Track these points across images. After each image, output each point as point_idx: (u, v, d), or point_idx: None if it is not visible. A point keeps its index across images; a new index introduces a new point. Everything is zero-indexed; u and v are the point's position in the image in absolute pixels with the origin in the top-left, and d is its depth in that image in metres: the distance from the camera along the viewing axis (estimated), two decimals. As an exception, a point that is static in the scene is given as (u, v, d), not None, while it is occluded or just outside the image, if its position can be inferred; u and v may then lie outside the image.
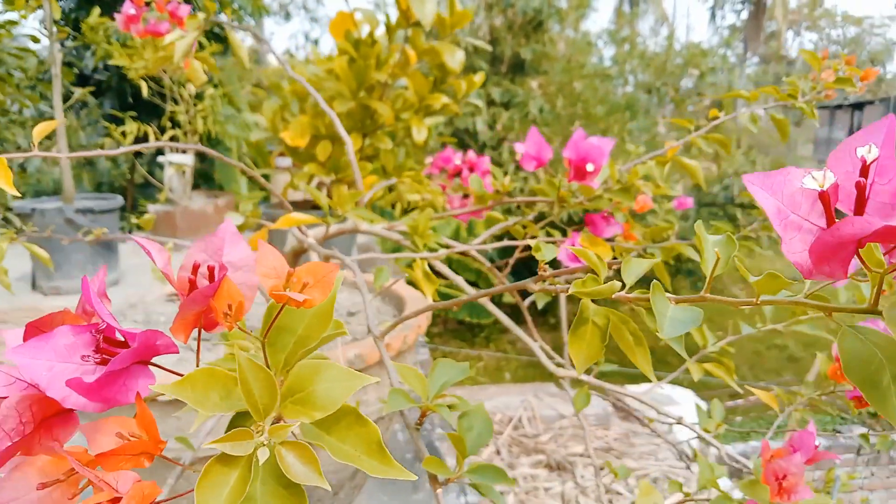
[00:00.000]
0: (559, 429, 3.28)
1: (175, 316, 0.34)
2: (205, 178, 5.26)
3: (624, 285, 0.45)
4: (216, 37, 4.74)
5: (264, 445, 0.30)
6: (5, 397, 0.34)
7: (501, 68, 7.13)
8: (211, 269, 0.35)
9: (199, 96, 3.20)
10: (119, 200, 2.53)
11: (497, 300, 4.72)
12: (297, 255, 1.24)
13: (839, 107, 9.63)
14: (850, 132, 9.74)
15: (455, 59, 2.18)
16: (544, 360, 1.01)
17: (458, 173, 1.87)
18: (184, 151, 3.06)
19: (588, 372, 1.10)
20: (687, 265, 6.60)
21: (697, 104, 8.16)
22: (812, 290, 0.37)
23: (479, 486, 0.55)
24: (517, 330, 1.03)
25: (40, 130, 0.78)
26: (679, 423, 0.92)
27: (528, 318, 1.21)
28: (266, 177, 4.64)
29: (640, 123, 7.09)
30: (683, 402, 3.12)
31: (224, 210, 3.08)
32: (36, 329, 0.35)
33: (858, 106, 9.30)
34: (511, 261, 1.05)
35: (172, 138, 3.07)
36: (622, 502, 2.63)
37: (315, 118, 2.28)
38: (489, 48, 2.10)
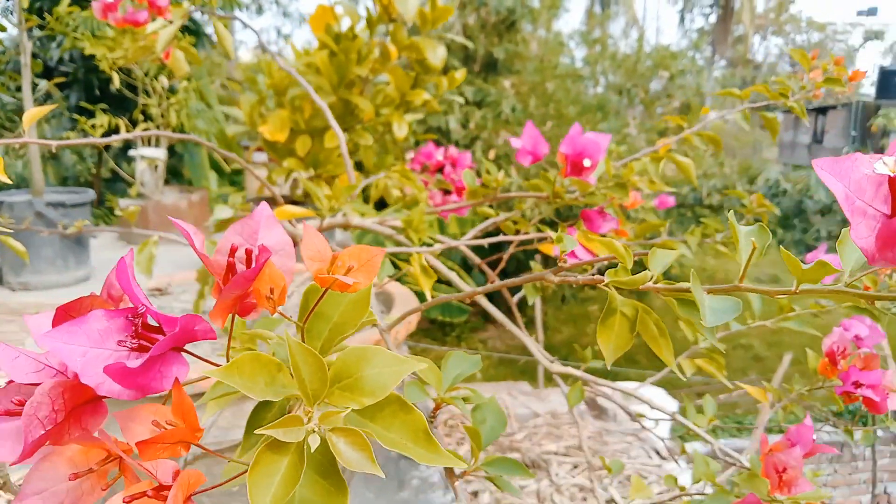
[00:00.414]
0: (533, 427, 3.29)
1: (216, 301, 0.33)
2: (174, 173, 5.17)
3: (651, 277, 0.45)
4: (187, 29, 4.66)
5: (315, 432, 0.29)
6: (36, 384, 0.33)
7: (474, 67, 7.14)
8: (249, 253, 0.34)
9: (171, 89, 3.15)
10: (90, 194, 2.48)
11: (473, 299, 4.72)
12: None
13: (803, 111, 9.83)
14: (814, 136, 9.96)
15: (437, 55, 2.17)
16: (538, 355, 1.01)
17: (439, 169, 1.86)
18: (157, 144, 3.01)
19: (577, 368, 1.10)
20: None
21: (666, 106, 8.26)
22: (849, 279, 0.37)
23: (495, 480, 0.54)
24: (511, 325, 1.02)
25: (32, 115, 0.75)
26: (673, 418, 0.93)
27: (518, 315, 1.21)
28: (239, 172, 4.59)
29: (610, 124, 7.16)
30: (654, 401, 3.15)
31: (197, 205, 3.03)
32: (65, 313, 0.34)
33: (822, 111, 9.51)
34: (505, 256, 1.05)
35: (145, 130, 3.02)
36: (595, 500, 2.65)
37: (295, 113, 2.26)
38: (470, 44, 2.09)
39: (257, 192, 2.41)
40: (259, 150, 2.52)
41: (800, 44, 11.46)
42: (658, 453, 3.07)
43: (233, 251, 0.34)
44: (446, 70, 2.39)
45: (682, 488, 0.87)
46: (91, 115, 3.24)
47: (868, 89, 9.94)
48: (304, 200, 2.45)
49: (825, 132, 9.55)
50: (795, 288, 0.37)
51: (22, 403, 0.32)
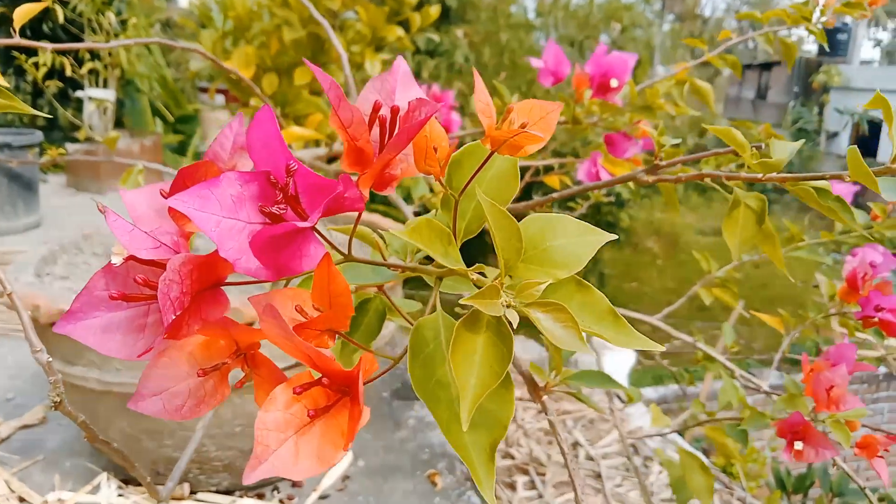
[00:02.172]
0: (500, 373, 3.30)
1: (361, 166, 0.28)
2: (115, 122, 4.92)
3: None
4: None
5: (512, 306, 0.25)
6: (156, 262, 0.28)
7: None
8: (395, 111, 0.29)
9: (121, 25, 2.96)
10: (38, 135, 2.32)
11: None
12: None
13: (748, 66, 9.99)
14: (758, 91, 10.15)
15: (411, -10, 2.08)
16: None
17: (421, 107, 1.80)
18: (105, 85, 2.83)
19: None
20: (606, 217, 6.77)
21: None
22: None
23: (577, 394, 0.51)
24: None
25: (24, 11, 0.67)
26: (694, 346, 0.92)
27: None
28: (188, 118, 4.39)
29: (564, 75, 7.11)
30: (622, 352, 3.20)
31: (150, 150, 2.88)
32: (183, 182, 0.28)
33: (766, 66, 9.67)
34: (521, 185, 1.00)
35: (91, 71, 2.84)
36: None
37: (261, 49, 2.14)
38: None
39: (218, 134, 2.28)
40: (220, 91, 2.39)
41: (747, -1, 11.64)
42: (620, 398, 3.14)
43: (377, 108, 0.29)
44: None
45: (712, 413, 0.86)
46: (31, 53, 3.02)
47: (810, 46, 10.15)
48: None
49: (769, 88, 9.73)
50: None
51: (146, 282, 0.27)
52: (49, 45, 0.74)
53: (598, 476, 1.77)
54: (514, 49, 7.10)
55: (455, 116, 1.74)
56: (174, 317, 0.26)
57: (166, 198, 0.28)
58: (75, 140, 2.93)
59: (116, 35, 2.81)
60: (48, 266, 1.11)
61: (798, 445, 0.71)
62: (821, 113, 8.22)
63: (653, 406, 0.93)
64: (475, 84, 0.28)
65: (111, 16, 2.80)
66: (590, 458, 1.86)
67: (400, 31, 2.12)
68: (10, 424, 1.23)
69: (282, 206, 0.27)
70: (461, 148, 0.32)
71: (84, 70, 2.76)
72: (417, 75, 6.81)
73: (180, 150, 4.71)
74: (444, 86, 6.83)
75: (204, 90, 3.51)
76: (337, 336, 0.29)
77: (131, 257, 0.27)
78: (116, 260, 0.27)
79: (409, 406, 1.37)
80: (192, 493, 1.04)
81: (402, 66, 0.31)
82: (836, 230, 1.08)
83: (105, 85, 2.86)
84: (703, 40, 1.01)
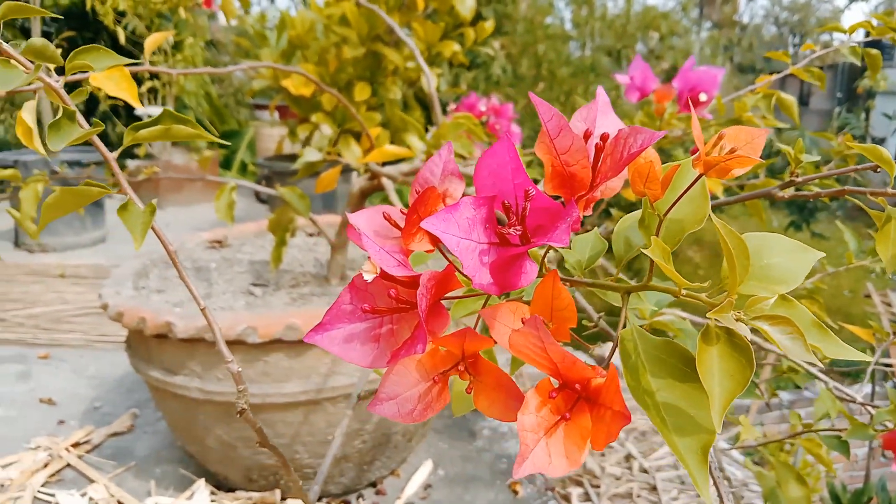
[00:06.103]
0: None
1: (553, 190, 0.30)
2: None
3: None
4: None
5: (741, 320, 0.27)
6: (398, 279, 0.30)
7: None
8: (605, 137, 0.31)
9: (176, 46, 3.04)
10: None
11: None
12: (364, 196, 1.19)
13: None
14: (800, 98, 10.00)
15: (466, 5, 2.11)
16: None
17: (481, 121, 1.83)
18: (164, 103, 2.91)
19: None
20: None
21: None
22: None
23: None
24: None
25: (154, 40, 0.71)
26: (785, 356, 0.92)
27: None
28: (233, 133, 4.48)
29: (603, 85, 7.11)
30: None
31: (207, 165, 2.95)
32: (418, 205, 0.31)
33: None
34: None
35: (151, 89, 2.92)
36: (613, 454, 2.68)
37: (320, 66, 2.19)
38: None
39: (276, 150, 2.34)
40: (279, 107, 2.44)
41: (786, 5, 11.50)
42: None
43: (587, 135, 0.31)
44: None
45: (808, 426, 0.86)
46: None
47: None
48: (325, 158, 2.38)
49: (811, 94, 9.59)
50: None
51: (397, 296, 0.29)
52: (176, 70, 0.78)
53: (654, 489, 1.76)
54: (552, 60, 7.13)
55: (515, 128, 1.75)
56: (424, 326, 0.28)
57: (406, 224, 0.30)
58: (135, 156, 3.02)
59: (173, 55, 2.90)
60: (142, 280, 1.16)
61: (906, 457, 0.71)
62: (867, 118, 8.07)
63: (742, 418, 0.93)
64: (693, 121, 0.30)
65: (169, 36, 2.88)
66: (644, 471, 1.85)
67: (456, 47, 2.14)
68: (101, 432, 1.28)
69: (517, 228, 0.29)
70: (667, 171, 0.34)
71: (143, 88, 2.85)
72: (455, 86, 6.86)
73: (225, 164, 4.81)
74: (482, 96, 6.85)
75: (260, 107, 3.59)
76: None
77: (383, 273, 0.29)
78: (369, 277, 0.29)
79: (481, 415, 1.39)
80: (283, 499, 1.07)
81: (603, 96, 0.33)
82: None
83: (163, 102, 2.95)
84: (787, 53, 1.02)
